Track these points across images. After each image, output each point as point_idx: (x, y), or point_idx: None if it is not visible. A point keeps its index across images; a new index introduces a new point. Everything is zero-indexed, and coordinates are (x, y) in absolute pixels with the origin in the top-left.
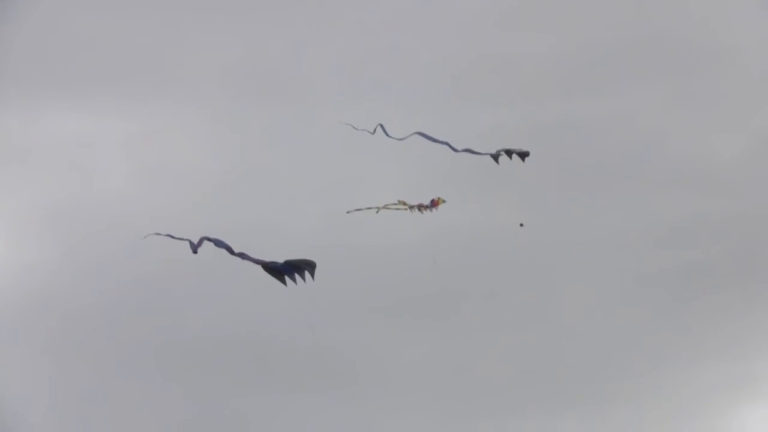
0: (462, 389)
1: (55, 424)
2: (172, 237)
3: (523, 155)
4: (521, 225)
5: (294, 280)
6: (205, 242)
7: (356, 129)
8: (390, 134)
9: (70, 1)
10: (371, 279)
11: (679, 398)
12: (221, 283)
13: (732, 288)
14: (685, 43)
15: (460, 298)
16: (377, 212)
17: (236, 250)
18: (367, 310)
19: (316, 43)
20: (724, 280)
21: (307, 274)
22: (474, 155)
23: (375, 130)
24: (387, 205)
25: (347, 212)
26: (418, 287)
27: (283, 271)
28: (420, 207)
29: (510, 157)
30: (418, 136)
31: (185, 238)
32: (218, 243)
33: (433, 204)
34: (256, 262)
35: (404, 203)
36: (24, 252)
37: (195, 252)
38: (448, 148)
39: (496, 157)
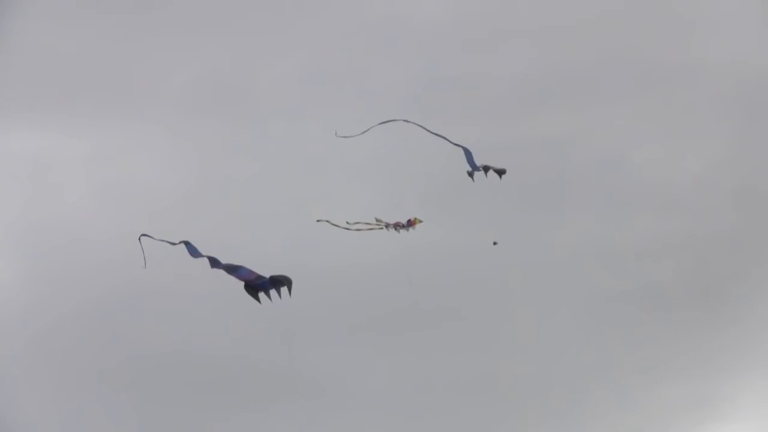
0: (430, 406)
1: None
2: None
3: (500, 172)
4: (495, 243)
5: (269, 296)
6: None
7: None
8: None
9: (28, 20)
10: (337, 297)
11: (643, 417)
12: (186, 298)
13: (693, 307)
14: (649, 63)
15: (429, 317)
16: (347, 227)
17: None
18: (335, 328)
19: (276, 58)
20: (686, 299)
21: (284, 290)
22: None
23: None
24: (362, 223)
25: (317, 220)
26: (386, 305)
27: (263, 286)
28: (396, 226)
29: (486, 174)
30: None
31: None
32: (215, 263)
33: (410, 224)
34: (243, 278)
35: (380, 221)
36: None
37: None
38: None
39: (471, 173)
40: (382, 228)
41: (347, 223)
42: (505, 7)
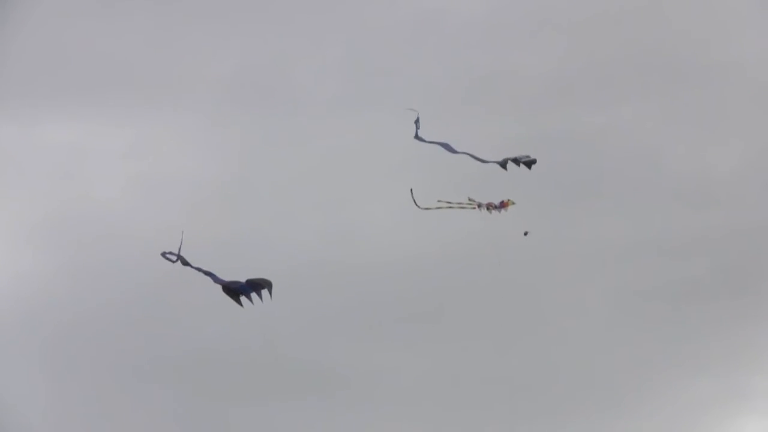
0: (461, 401)
1: (51, 430)
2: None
3: (529, 163)
4: (526, 234)
5: (250, 299)
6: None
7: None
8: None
9: (67, 10)
10: (366, 293)
11: (673, 411)
12: (217, 294)
13: (726, 302)
14: (682, 58)
15: (460, 310)
16: (448, 207)
17: (208, 269)
18: (363, 323)
19: (315, 50)
20: (719, 293)
21: (264, 293)
22: (478, 162)
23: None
24: (456, 203)
25: (420, 207)
26: (416, 300)
27: (242, 290)
28: (489, 206)
29: (518, 165)
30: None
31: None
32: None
33: (502, 205)
34: (218, 282)
35: (472, 201)
36: (20, 261)
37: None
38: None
39: (503, 164)
40: (473, 207)
41: (439, 201)
42: (539, 3)
